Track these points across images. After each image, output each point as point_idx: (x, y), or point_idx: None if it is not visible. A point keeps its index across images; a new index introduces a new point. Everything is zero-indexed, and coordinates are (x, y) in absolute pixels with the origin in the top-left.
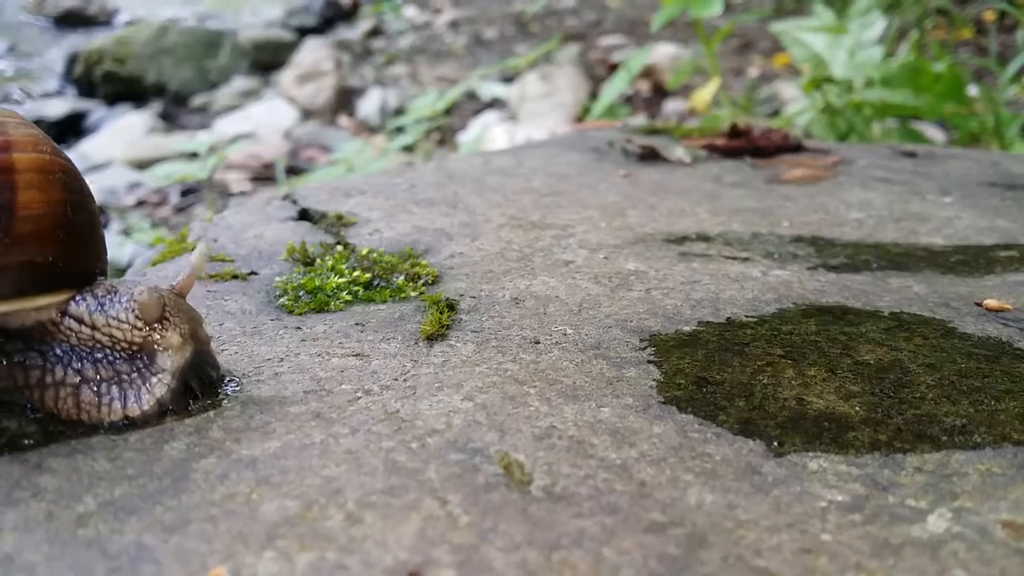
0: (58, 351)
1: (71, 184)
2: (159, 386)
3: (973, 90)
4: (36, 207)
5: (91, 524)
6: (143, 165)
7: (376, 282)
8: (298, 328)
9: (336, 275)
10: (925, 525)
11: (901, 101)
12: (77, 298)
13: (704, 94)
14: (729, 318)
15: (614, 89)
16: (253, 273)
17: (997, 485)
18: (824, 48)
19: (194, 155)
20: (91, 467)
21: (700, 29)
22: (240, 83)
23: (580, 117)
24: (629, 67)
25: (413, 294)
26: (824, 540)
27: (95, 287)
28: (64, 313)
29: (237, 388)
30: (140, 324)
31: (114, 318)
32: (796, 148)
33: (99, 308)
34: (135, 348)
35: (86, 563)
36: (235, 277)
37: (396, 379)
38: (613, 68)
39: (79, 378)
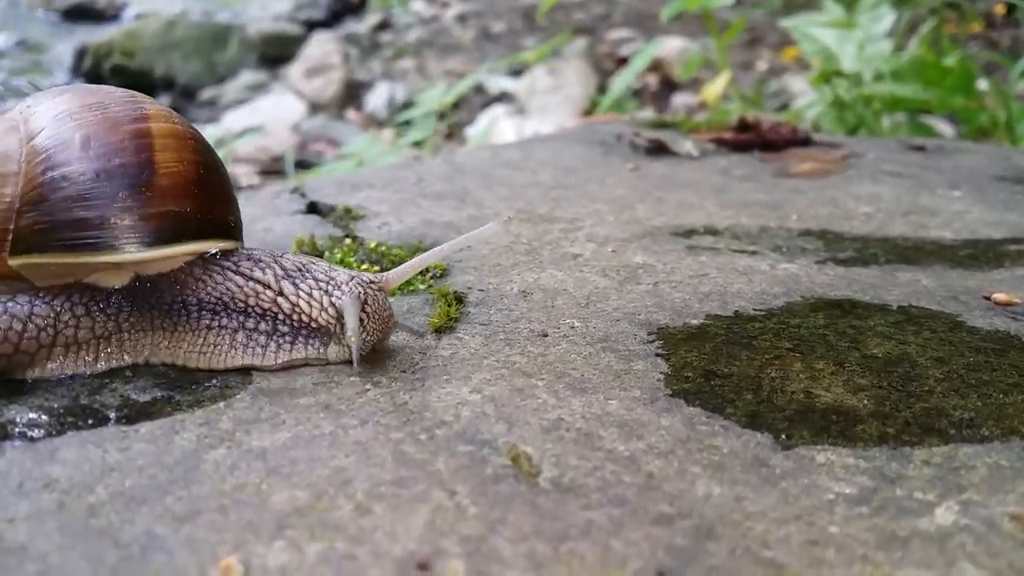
0: (195, 299)
1: (201, 148)
2: (311, 352)
3: (983, 84)
4: (172, 165)
5: (102, 514)
6: None
7: None
8: None
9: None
10: (933, 518)
11: (911, 95)
12: (263, 264)
13: (715, 87)
14: (737, 311)
15: (623, 81)
16: None
17: (1005, 478)
18: (834, 42)
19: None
20: (102, 458)
21: (712, 23)
22: (248, 77)
23: (588, 111)
24: (639, 60)
25: (421, 287)
26: (832, 532)
27: (273, 255)
28: (208, 264)
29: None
30: (333, 313)
31: (306, 293)
32: (805, 142)
33: (290, 278)
34: (314, 325)
35: (98, 552)
36: None
37: (404, 371)
38: (621, 62)
39: (224, 326)
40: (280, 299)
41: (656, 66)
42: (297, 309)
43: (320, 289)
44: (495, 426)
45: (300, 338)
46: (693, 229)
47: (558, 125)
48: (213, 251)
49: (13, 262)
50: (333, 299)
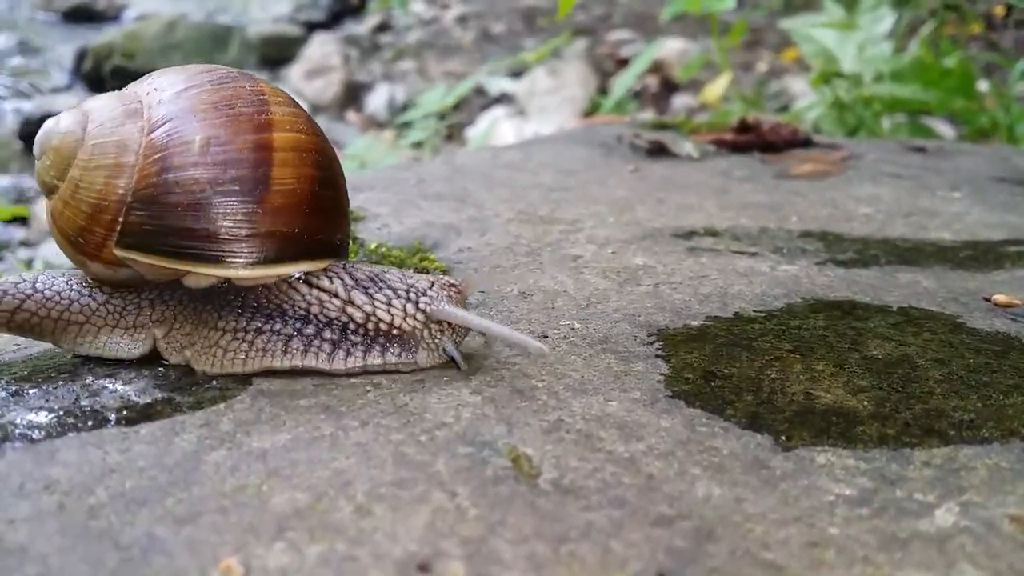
0: (254, 303)
1: (322, 162)
2: (392, 359)
3: (983, 85)
4: (288, 183)
5: (103, 516)
6: None
7: None
8: None
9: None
10: (933, 519)
11: (911, 96)
12: (331, 273)
13: (716, 88)
14: (737, 313)
15: (624, 84)
16: None
17: (1005, 479)
18: (834, 43)
19: None
20: (102, 459)
21: (714, 24)
22: None
23: (588, 112)
24: (639, 62)
25: None
26: (832, 534)
27: (355, 268)
28: (308, 283)
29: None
30: (421, 318)
31: (383, 302)
32: (805, 143)
33: (361, 288)
34: (395, 332)
35: (98, 554)
36: None
37: (404, 372)
38: (621, 63)
39: (277, 331)
40: (350, 308)
41: (656, 67)
42: (373, 318)
43: (401, 298)
44: (495, 427)
45: (377, 346)
46: (693, 230)
47: (558, 126)
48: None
49: (119, 253)
50: (421, 305)
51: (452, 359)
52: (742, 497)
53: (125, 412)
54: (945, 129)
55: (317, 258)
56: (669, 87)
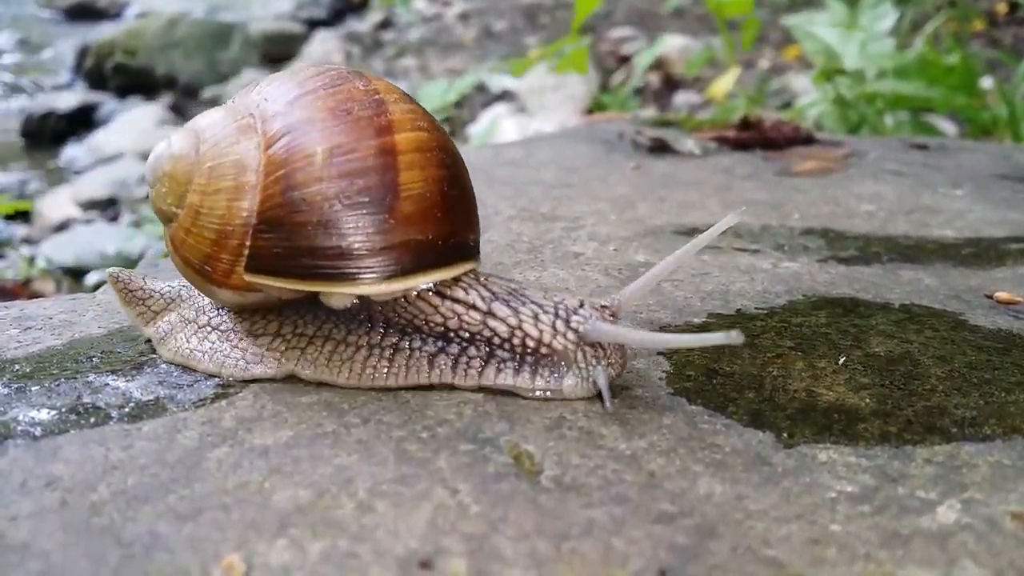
0: (428, 330)
1: (446, 160)
2: (540, 382)
3: (987, 82)
4: (416, 186)
5: (105, 512)
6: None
7: None
8: None
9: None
10: (934, 516)
11: (913, 92)
12: (464, 284)
13: (723, 84)
14: (739, 310)
15: (631, 84)
16: None
17: (1007, 477)
18: (836, 41)
19: None
20: (104, 456)
21: (723, 25)
22: (250, 75)
23: (590, 109)
24: (644, 59)
25: None
26: (833, 531)
27: (489, 280)
28: (441, 295)
29: None
30: (573, 337)
31: (529, 315)
32: (807, 140)
33: (502, 300)
34: (544, 351)
35: (100, 551)
36: None
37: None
38: (623, 60)
39: (417, 348)
40: (492, 322)
41: (658, 64)
42: (519, 333)
43: (549, 313)
44: (497, 424)
45: (527, 366)
46: (695, 227)
47: (560, 124)
48: (427, 285)
49: (249, 278)
50: (573, 324)
51: (599, 393)
52: (744, 494)
53: (127, 409)
54: (947, 126)
55: (453, 264)
56: (671, 84)
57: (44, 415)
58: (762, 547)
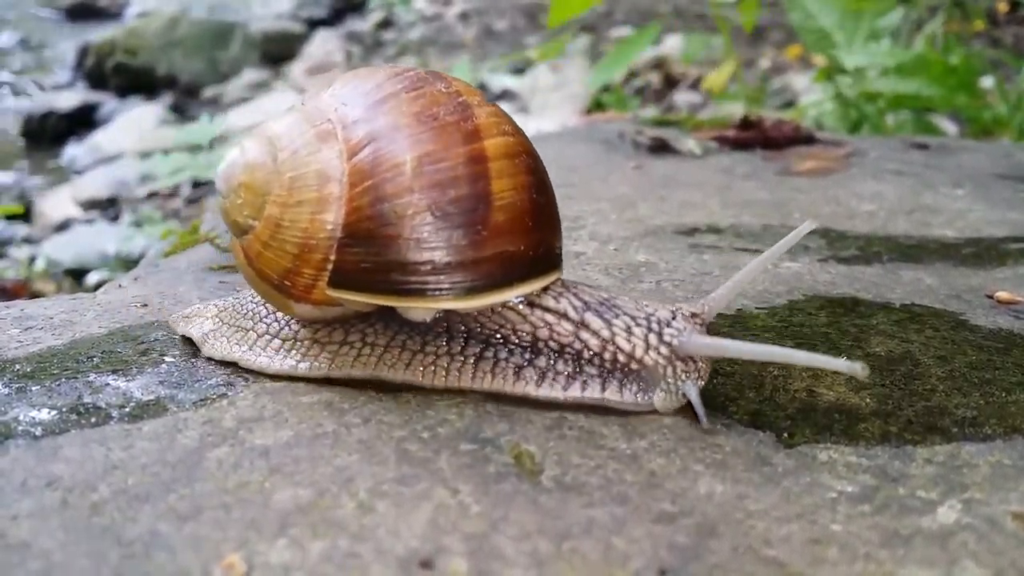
0: (516, 341)
1: (532, 165)
2: (628, 397)
3: (987, 82)
4: (507, 195)
5: (105, 512)
6: (151, 157)
7: None
8: None
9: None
10: (935, 516)
11: (914, 91)
12: (555, 293)
13: (720, 76)
14: (740, 310)
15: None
16: None
17: (1007, 477)
18: (833, 26)
19: (197, 147)
20: (105, 456)
21: (719, 19)
22: (251, 75)
23: (591, 109)
24: (639, 44)
25: None
26: (834, 530)
27: (580, 289)
28: (531, 304)
29: None
30: (665, 352)
31: (622, 328)
32: (808, 140)
33: (594, 311)
34: (634, 366)
35: (101, 550)
36: None
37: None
38: None
39: (502, 359)
40: (585, 334)
41: (658, 64)
42: (611, 347)
43: (642, 326)
44: (497, 424)
45: (614, 380)
46: (696, 227)
47: (560, 123)
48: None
49: (332, 293)
50: (666, 337)
51: (692, 406)
52: (744, 494)
53: (128, 409)
54: (948, 126)
55: (542, 275)
56: (671, 84)
57: (45, 415)
58: (763, 547)
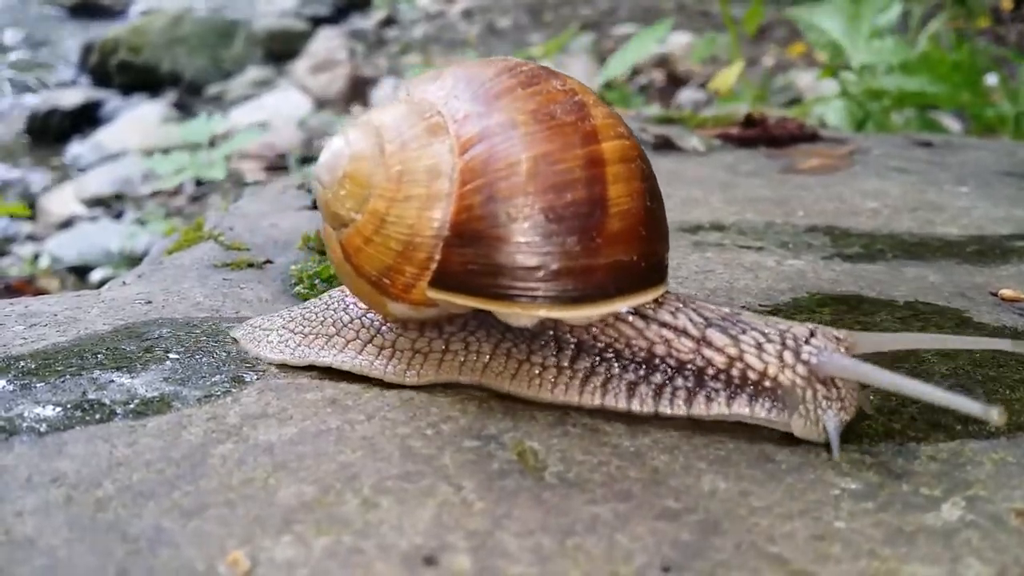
0: (630, 355)
1: (646, 170)
2: (760, 412)
3: (991, 79)
4: (623, 201)
5: (110, 508)
6: (152, 155)
7: None
8: None
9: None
10: (939, 513)
11: (918, 88)
12: (671, 308)
13: (727, 76)
14: (743, 307)
15: (631, 57)
16: (269, 262)
17: (1011, 474)
18: (840, 33)
19: (198, 145)
20: (110, 452)
21: (725, 10)
22: (254, 73)
23: None
24: (645, 41)
25: None
26: (838, 527)
27: (698, 304)
28: (644, 317)
29: None
30: (803, 371)
31: (751, 344)
32: (811, 137)
33: (717, 327)
34: (768, 384)
35: (105, 546)
36: (251, 265)
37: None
38: None
39: (615, 374)
40: (708, 351)
41: (662, 62)
42: (740, 364)
43: (775, 343)
44: (501, 421)
45: (743, 395)
46: (699, 225)
47: None
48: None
49: (433, 294)
50: (803, 355)
51: (828, 439)
52: (747, 491)
53: (132, 406)
54: (952, 123)
55: (651, 287)
56: (675, 81)
57: (49, 411)
58: (766, 543)
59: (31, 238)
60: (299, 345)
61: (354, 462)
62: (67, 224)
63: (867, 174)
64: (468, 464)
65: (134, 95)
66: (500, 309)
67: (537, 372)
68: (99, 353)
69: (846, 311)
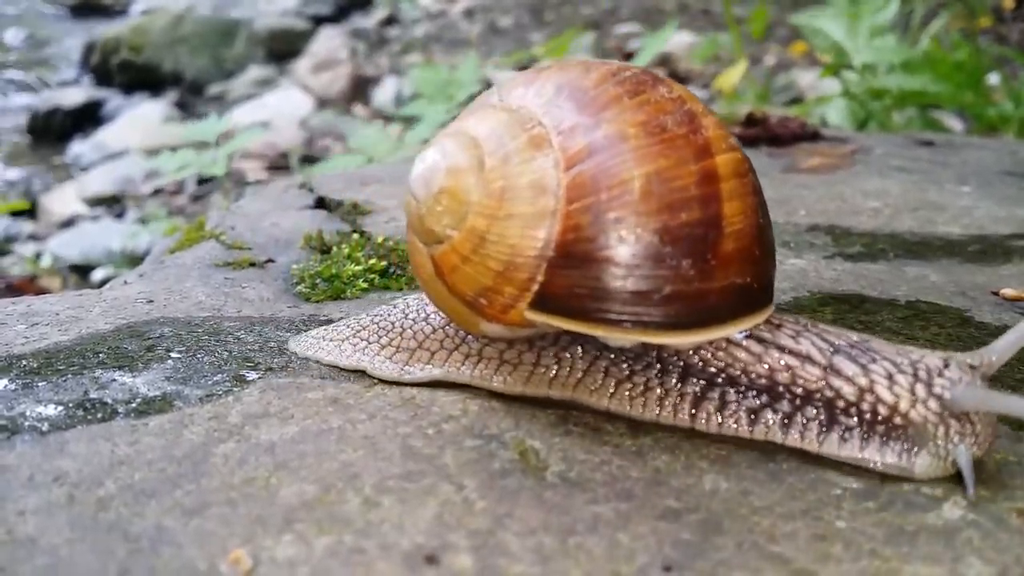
0: (747, 382)
1: (756, 182)
2: (890, 458)
3: (993, 78)
4: (737, 220)
5: (112, 507)
6: (158, 154)
7: (392, 270)
8: (315, 315)
9: (352, 263)
10: (940, 512)
11: (920, 87)
12: (791, 331)
13: (731, 76)
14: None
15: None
16: (270, 261)
17: (1013, 474)
18: (843, 36)
19: (204, 144)
20: (112, 451)
21: (728, 9)
22: (256, 72)
23: None
24: (652, 46)
25: None
26: (839, 527)
27: (821, 328)
28: (762, 341)
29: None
30: (935, 406)
31: (882, 375)
32: (813, 136)
33: (845, 354)
34: (898, 420)
35: (107, 545)
36: (252, 265)
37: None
38: (629, 56)
39: (733, 400)
40: (836, 380)
41: (664, 61)
42: (870, 396)
43: (906, 374)
44: (502, 421)
45: (876, 436)
46: None
47: None
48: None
49: (532, 316)
50: (936, 389)
51: (961, 474)
52: (749, 490)
53: (134, 405)
54: (953, 123)
55: (761, 309)
56: (677, 80)
57: (51, 411)
58: (768, 543)
59: (33, 237)
60: (376, 356)
61: (355, 461)
62: (69, 223)
63: (869, 173)
64: (470, 463)
65: (135, 94)
66: (605, 335)
67: (640, 392)
68: (101, 352)
69: (848, 310)
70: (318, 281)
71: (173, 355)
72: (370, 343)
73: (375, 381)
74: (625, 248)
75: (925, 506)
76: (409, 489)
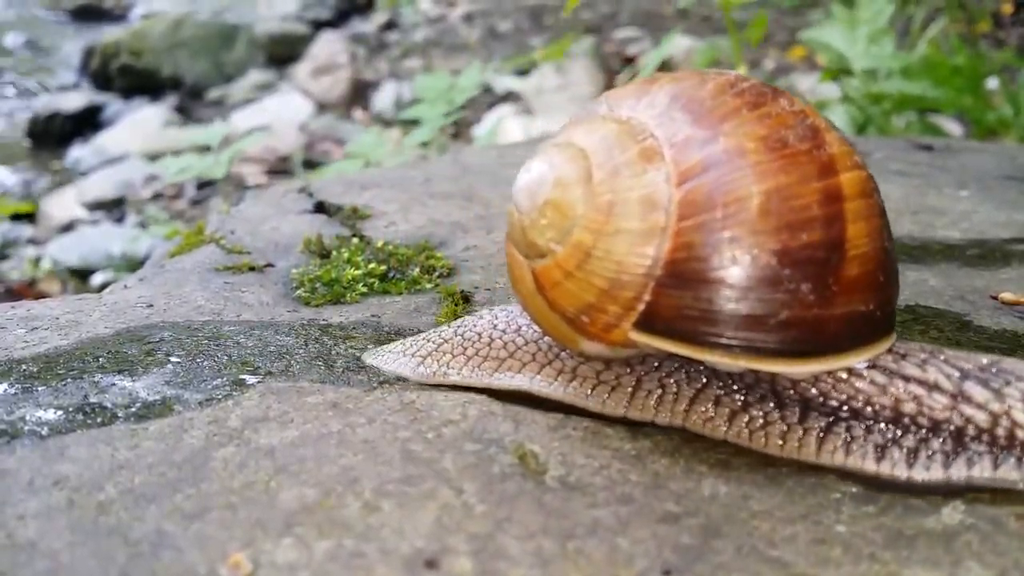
0: (870, 415)
1: (881, 203)
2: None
3: (992, 83)
4: (862, 243)
5: (112, 512)
6: (160, 159)
7: (392, 274)
8: (314, 319)
9: (352, 267)
10: (939, 516)
11: (920, 92)
12: (913, 359)
13: None
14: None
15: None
16: (270, 265)
17: None
18: (844, 44)
19: (207, 148)
20: (111, 456)
21: (731, 23)
22: (255, 76)
23: None
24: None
25: (428, 286)
26: (838, 531)
27: (941, 351)
28: (884, 370)
29: None
30: None
31: (1018, 399)
32: None
33: (975, 379)
34: None
35: (107, 550)
36: (252, 269)
37: None
38: (628, 61)
39: (856, 435)
40: (968, 408)
41: (664, 66)
42: (1005, 421)
43: None
44: (502, 425)
45: (1012, 458)
46: None
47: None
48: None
49: (636, 337)
50: None
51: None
52: (748, 494)
53: (134, 409)
54: (953, 127)
55: (884, 337)
56: None
57: (51, 415)
58: (767, 547)
59: (32, 241)
60: (464, 367)
61: (355, 465)
62: (68, 227)
63: None
64: (469, 467)
65: (135, 99)
66: (715, 360)
67: (759, 425)
68: (100, 356)
69: None
70: (318, 285)
71: (173, 359)
72: (455, 355)
73: (375, 385)
74: (739, 269)
75: (924, 510)
76: (409, 493)
